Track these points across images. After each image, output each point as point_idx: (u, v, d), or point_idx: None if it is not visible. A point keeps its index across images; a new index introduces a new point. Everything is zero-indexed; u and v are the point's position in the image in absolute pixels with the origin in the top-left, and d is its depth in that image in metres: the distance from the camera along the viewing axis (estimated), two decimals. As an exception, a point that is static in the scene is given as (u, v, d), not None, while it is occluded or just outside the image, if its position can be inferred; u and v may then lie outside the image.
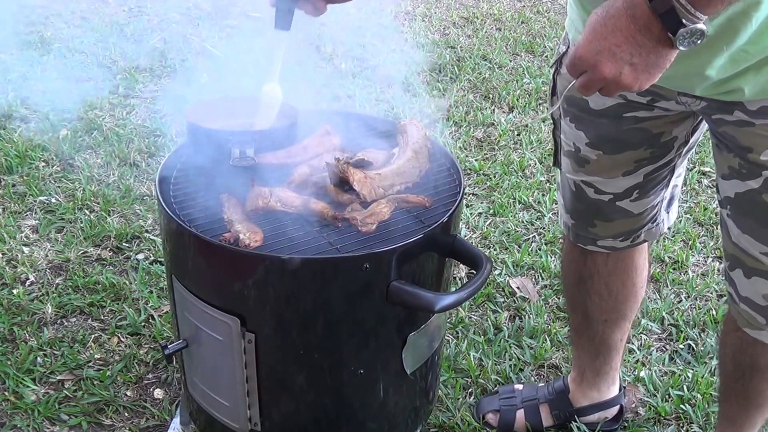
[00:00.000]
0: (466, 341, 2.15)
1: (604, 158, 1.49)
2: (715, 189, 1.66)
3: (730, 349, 1.56)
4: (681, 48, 1.00)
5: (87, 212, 2.61)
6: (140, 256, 2.42)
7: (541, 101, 3.66)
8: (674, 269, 2.53)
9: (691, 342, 2.22)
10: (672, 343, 2.23)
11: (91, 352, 2.05)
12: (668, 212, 1.65)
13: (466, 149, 3.19)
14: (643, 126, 1.43)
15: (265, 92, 1.52)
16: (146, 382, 1.99)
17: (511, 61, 4.11)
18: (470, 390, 2.01)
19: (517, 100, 3.63)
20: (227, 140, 1.46)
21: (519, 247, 2.58)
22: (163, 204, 1.41)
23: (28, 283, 2.29)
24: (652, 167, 1.50)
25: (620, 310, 1.76)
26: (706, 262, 2.60)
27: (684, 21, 0.97)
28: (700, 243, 2.66)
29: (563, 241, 1.80)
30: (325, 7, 1.41)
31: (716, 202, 1.67)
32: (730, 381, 1.62)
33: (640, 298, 1.80)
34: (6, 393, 1.91)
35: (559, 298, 2.35)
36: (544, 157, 3.16)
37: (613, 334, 1.80)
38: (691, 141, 1.50)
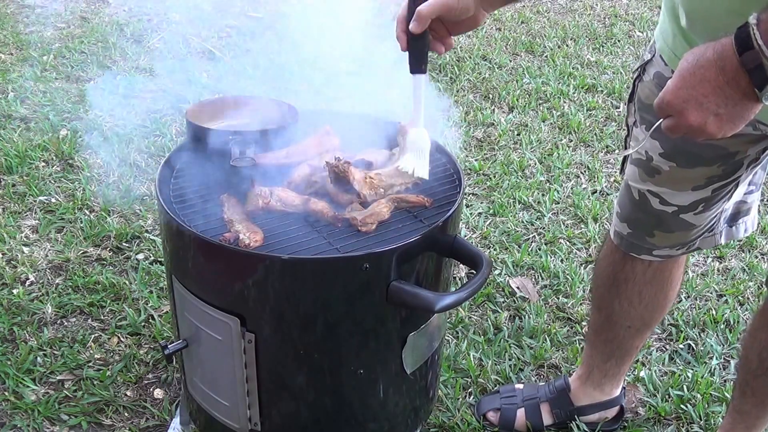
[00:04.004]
0: (466, 341, 2.15)
1: (676, 170, 1.47)
2: None
3: (758, 345, 1.56)
4: (766, 103, 1.00)
5: (87, 212, 2.61)
6: (140, 256, 2.42)
7: (540, 101, 3.66)
8: (674, 269, 2.53)
9: (690, 342, 2.22)
10: (672, 343, 2.23)
11: (91, 352, 2.05)
12: (732, 226, 1.63)
13: (466, 149, 3.19)
14: (720, 143, 1.41)
15: (411, 138, 1.52)
16: (146, 382, 1.99)
17: (511, 61, 4.11)
18: (470, 390, 2.01)
19: (517, 100, 3.63)
20: (227, 140, 1.46)
21: (519, 247, 2.58)
22: (163, 204, 1.41)
23: (28, 283, 2.29)
24: (720, 183, 1.48)
25: (646, 319, 1.75)
26: (705, 262, 2.60)
27: None
28: (699, 243, 2.66)
29: (603, 243, 1.77)
30: (452, 42, 1.43)
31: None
32: (750, 377, 1.62)
33: (667, 310, 1.79)
34: (6, 393, 1.91)
35: (558, 298, 2.35)
36: (544, 157, 3.16)
37: (633, 340, 1.80)
38: (761, 158, 1.48)
